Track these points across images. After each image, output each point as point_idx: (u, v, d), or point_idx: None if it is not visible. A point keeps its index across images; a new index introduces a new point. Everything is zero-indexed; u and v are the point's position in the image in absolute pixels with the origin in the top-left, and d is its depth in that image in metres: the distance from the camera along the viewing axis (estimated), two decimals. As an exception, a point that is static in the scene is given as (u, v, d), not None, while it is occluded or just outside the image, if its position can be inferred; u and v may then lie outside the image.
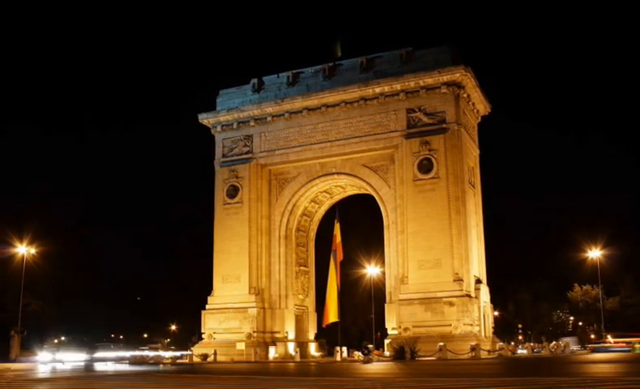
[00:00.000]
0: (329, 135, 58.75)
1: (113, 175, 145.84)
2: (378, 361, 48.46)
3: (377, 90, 56.24)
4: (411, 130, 55.39)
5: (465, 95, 56.23)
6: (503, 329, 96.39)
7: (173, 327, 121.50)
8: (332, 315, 54.11)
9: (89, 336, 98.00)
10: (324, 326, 57.33)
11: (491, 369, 31.90)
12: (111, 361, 60.48)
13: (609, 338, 65.73)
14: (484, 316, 54.24)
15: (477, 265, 56.53)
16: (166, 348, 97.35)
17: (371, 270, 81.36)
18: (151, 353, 64.41)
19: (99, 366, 47.71)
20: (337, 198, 64.05)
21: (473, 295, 52.58)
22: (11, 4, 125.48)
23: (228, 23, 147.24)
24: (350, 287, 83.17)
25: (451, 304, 50.81)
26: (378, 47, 63.62)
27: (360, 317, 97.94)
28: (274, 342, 58.33)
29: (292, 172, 60.94)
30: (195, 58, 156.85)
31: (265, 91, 61.72)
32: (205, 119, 63.22)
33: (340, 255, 54.80)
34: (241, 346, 56.58)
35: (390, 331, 53.96)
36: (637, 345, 59.34)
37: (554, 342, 70.37)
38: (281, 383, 24.11)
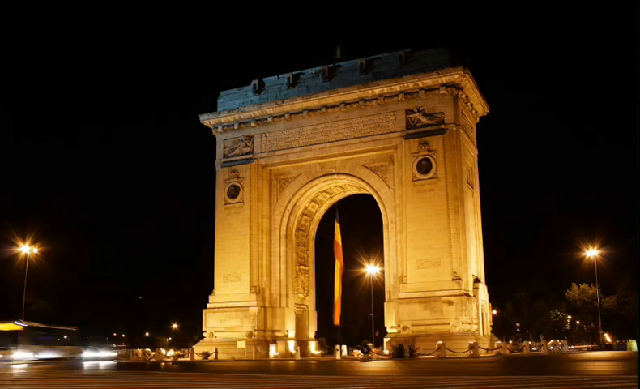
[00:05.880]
0: (329, 136, 59.25)
1: (114, 175, 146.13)
2: (377, 359, 48.89)
3: (377, 91, 56.73)
4: (410, 130, 55.88)
5: (463, 96, 56.72)
6: (501, 328, 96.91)
7: (175, 326, 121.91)
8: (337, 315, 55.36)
9: (91, 335, 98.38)
10: (335, 324, 58.12)
11: (489, 367, 32.34)
12: (112, 359, 60.87)
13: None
14: (482, 315, 54.76)
15: (475, 264, 57.03)
16: (167, 346, 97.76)
17: (370, 269, 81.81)
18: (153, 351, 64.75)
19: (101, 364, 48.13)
20: (337, 198, 64.56)
21: (471, 294, 53.08)
22: (8, 4, 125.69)
23: (228, 24, 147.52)
24: (350, 286, 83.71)
25: (450, 303, 51.30)
26: (378, 48, 64.02)
27: (360, 315, 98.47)
28: (274, 340, 58.85)
29: (293, 172, 61.44)
30: (196, 60, 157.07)
31: (265, 93, 62.22)
32: (206, 120, 63.72)
33: (341, 260, 55.82)
34: (241, 344, 57.11)
35: (389, 330, 54.45)
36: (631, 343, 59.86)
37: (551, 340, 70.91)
38: (282, 381, 24.55)
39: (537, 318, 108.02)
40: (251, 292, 59.59)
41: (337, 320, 57.95)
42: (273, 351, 57.52)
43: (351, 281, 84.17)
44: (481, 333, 53.48)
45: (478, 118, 62.48)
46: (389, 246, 56.76)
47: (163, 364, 49.35)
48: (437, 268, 52.77)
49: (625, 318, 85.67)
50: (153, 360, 57.10)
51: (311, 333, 64.76)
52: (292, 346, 59.21)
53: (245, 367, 39.45)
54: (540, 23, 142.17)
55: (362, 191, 61.86)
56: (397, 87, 55.97)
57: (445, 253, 52.82)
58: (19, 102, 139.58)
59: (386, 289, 56.52)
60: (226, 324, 59.59)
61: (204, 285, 64.26)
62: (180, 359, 58.60)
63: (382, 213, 57.76)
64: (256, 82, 62.86)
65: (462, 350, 46.83)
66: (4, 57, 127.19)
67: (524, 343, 72.33)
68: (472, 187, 58.65)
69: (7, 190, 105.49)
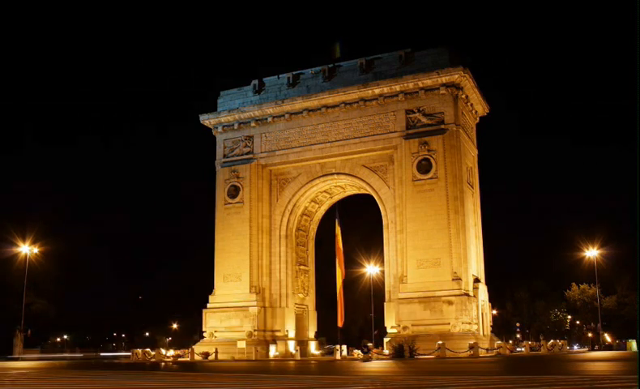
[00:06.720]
0: (329, 136, 59.28)
1: (114, 175, 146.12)
2: (378, 359, 48.89)
3: (377, 91, 56.74)
4: (410, 130, 55.90)
5: (463, 96, 56.74)
6: (501, 328, 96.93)
7: (175, 326, 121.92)
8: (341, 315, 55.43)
9: (91, 335, 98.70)
10: (340, 325, 58.16)
11: (489, 367, 32.34)
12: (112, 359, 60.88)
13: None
14: (482, 315, 54.76)
15: (475, 264, 57.05)
16: (167, 346, 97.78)
17: (370, 269, 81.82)
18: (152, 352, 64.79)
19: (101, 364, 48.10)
20: (337, 198, 64.57)
21: (471, 294, 53.09)
22: (10, 6, 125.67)
23: (228, 24, 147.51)
24: (350, 286, 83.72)
25: (450, 303, 51.31)
26: (378, 48, 64.08)
27: (360, 315, 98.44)
28: (274, 340, 58.88)
29: (293, 172, 61.47)
30: (196, 60, 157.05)
31: (265, 93, 62.24)
32: (206, 120, 63.74)
33: (341, 262, 55.84)
34: (241, 344, 57.10)
35: (389, 330, 54.46)
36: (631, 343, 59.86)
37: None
38: (282, 381, 24.55)
39: (537, 318, 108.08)
40: (251, 292, 59.62)
41: (340, 322, 58.00)
42: (273, 351, 57.55)
43: (351, 281, 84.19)
44: (481, 333, 53.49)
45: (478, 118, 62.50)
46: (389, 246, 56.78)
47: (163, 364, 49.32)
48: (437, 268, 52.79)
49: (625, 318, 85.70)
50: (153, 360, 57.10)
51: (311, 333, 64.78)
52: (292, 346, 59.23)
53: (245, 367, 39.44)
54: (540, 22, 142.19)
55: (362, 191, 61.87)
56: (397, 87, 55.99)
57: (445, 253, 52.83)
58: (18, 103, 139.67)
59: (386, 289, 56.53)
60: (226, 324, 59.61)
61: (204, 285, 64.33)
62: (180, 359, 58.57)
63: (382, 213, 57.77)
64: (256, 82, 62.88)
65: (462, 350, 46.84)
66: (4, 58, 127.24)
67: (524, 343, 72.37)
68: (472, 187, 58.67)
69: (8, 191, 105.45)
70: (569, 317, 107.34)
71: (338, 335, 59.80)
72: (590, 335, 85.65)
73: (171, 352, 64.93)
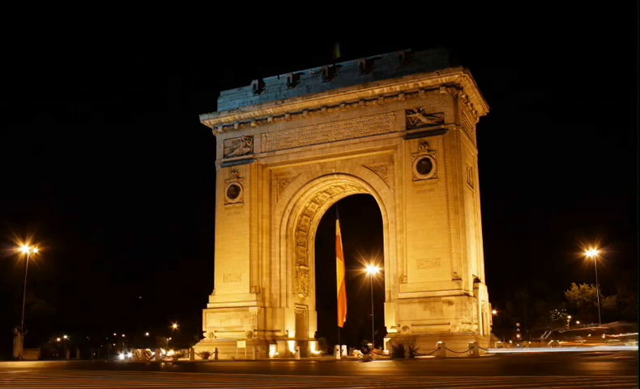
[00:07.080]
0: (329, 136, 59.30)
1: (114, 175, 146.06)
2: (378, 359, 48.92)
3: (377, 91, 56.76)
4: (410, 130, 55.93)
5: (463, 96, 56.75)
6: (501, 328, 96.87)
7: (175, 326, 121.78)
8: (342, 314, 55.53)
9: (91, 335, 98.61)
10: (340, 325, 58.21)
11: (489, 367, 32.37)
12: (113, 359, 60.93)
13: None
14: (482, 315, 54.79)
15: (475, 264, 57.07)
16: (167, 346, 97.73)
17: (370, 269, 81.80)
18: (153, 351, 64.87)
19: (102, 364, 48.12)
20: (337, 198, 64.61)
21: (471, 294, 53.10)
22: (14, 6, 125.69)
23: (228, 24, 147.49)
24: (350, 285, 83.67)
25: (450, 303, 51.33)
26: (378, 48, 64.12)
27: (360, 315, 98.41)
28: (274, 340, 58.91)
29: (293, 172, 61.50)
30: (196, 60, 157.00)
31: (265, 93, 62.27)
32: (206, 120, 63.77)
33: (342, 258, 55.91)
34: (241, 344, 57.15)
35: (389, 330, 54.49)
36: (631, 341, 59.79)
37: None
38: (282, 381, 24.56)
39: (537, 318, 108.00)
40: (251, 292, 59.64)
41: (341, 321, 57.98)
42: (273, 351, 57.58)
43: (351, 281, 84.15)
44: (481, 333, 53.52)
45: (478, 118, 62.53)
46: (389, 246, 56.80)
47: (163, 364, 49.34)
48: (437, 268, 52.81)
49: (625, 318, 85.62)
50: (153, 360, 57.14)
51: (311, 333, 64.82)
52: (292, 346, 59.26)
53: (245, 367, 39.45)
54: (541, 23, 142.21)
55: (362, 191, 61.90)
56: (397, 87, 56.00)
57: (445, 253, 52.85)
58: (18, 103, 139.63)
59: (386, 289, 56.55)
60: (226, 324, 59.64)
61: (204, 285, 64.34)
62: (180, 359, 58.62)
63: (382, 213, 57.79)
64: (256, 82, 62.91)
65: (462, 350, 46.84)
66: (4, 58, 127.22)
67: (524, 342, 72.32)
68: (472, 187, 58.69)
69: (7, 190, 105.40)
70: (569, 317, 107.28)
71: (338, 335, 59.85)
72: (589, 335, 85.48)
73: (171, 352, 65.02)
